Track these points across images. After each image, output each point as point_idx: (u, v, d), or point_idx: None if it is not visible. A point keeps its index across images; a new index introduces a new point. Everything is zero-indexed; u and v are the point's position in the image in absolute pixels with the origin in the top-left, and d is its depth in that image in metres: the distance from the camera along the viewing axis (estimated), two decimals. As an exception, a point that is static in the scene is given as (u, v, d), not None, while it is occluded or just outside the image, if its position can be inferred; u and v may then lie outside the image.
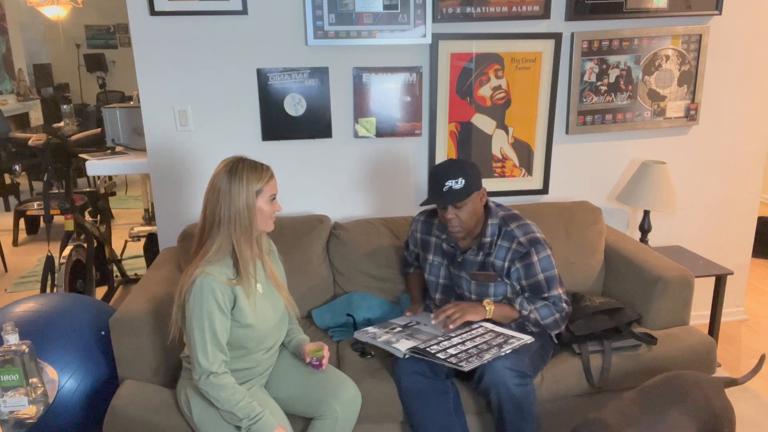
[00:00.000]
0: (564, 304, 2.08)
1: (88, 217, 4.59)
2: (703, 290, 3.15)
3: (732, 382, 1.82)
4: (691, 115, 2.92)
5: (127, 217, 5.54)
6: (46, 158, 3.37)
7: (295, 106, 2.61)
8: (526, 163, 2.87)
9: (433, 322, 2.03)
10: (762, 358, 1.88)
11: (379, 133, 2.71)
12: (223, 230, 1.73)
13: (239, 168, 1.74)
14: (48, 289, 3.21)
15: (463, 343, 1.93)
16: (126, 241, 4.30)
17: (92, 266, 3.38)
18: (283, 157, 2.69)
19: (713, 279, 2.83)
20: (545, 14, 2.66)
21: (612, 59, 2.78)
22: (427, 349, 1.90)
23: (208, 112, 2.59)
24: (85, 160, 3.10)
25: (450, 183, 1.96)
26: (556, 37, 2.70)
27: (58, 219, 5.00)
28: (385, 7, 2.53)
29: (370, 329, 2.09)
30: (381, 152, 2.75)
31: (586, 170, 2.95)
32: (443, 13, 2.57)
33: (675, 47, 2.81)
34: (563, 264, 2.53)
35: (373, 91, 2.65)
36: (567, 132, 2.84)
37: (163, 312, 2.01)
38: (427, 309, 2.29)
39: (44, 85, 8.33)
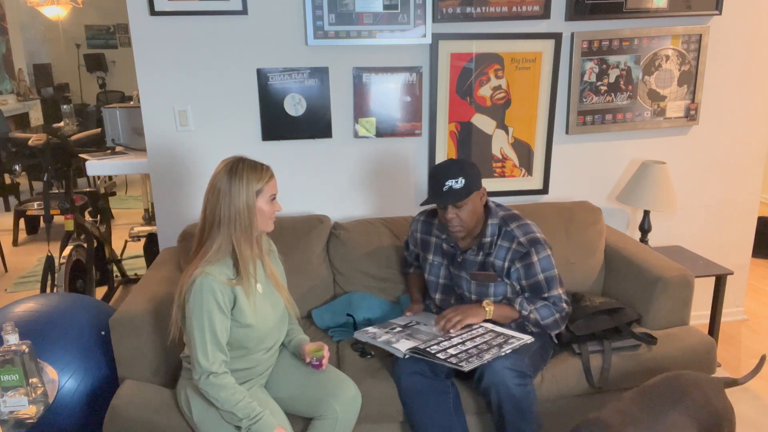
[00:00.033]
0: (564, 304, 2.08)
1: (88, 217, 4.59)
2: (703, 290, 3.15)
3: (732, 383, 1.82)
4: (691, 115, 2.92)
5: (127, 217, 5.54)
6: (46, 158, 3.37)
7: (295, 106, 2.61)
8: (526, 163, 2.87)
9: (434, 329, 2.03)
10: (762, 359, 1.87)
11: (379, 133, 2.71)
12: (223, 230, 1.73)
13: (239, 168, 1.74)
14: (48, 289, 3.21)
15: (463, 343, 1.93)
16: (126, 241, 4.30)
17: (92, 266, 3.38)
18: (283, 157, 2.69)
19: (713, 279, 2.83)
20: (545, 14, 2.66)
21: (612, 59, 2.78)
22: (427, 349, 1.90)
23: (208, 112, 2.59)
24: (85, 160, 3.10)
25: (450, 183, 1.96)
26: (556, 37, 2.70)
27: (58, 219, 5.00)
28: (385, 7, 2.53)
29: (370, 329, 2.09)
30: (381, 152, 2.75)
31: (586, 170, 2.95)
32: (443, 13, 2.57)
33: (675, 47, 2.81)
34: (563, 264, 2.53)
35: (373, 91, 2.65)
36: (567, 132, 2.84)
37: (163, 312, 2.01)
38: (427, 309, 2.29)
39: (44, 85, 8.32)
